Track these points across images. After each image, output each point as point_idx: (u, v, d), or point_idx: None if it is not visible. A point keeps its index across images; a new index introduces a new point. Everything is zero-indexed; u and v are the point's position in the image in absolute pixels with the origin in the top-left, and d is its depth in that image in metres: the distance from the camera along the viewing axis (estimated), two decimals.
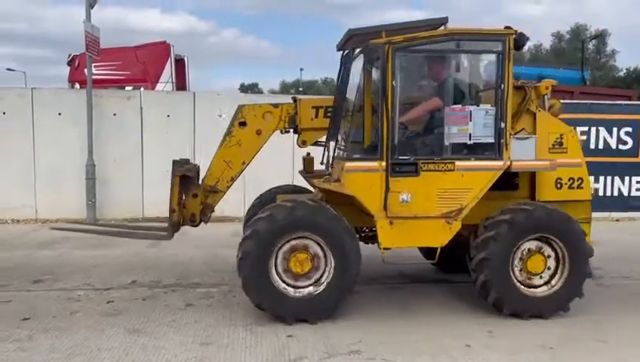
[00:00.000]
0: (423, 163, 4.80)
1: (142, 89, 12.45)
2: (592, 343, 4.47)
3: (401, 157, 4.81)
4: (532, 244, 4.92)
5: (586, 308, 5.27)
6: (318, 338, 4.45)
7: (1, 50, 78.67)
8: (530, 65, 19.04)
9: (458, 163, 4.83)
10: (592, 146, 11.36)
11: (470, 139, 4.79)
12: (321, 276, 4.80)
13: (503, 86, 4.80)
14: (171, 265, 6.85)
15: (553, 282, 4.97)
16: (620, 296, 5.87)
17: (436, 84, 5.32)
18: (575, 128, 10.48)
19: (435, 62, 5.30)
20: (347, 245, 4.74)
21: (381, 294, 5.71)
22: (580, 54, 38.22)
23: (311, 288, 4.78)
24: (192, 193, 5.39)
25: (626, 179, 11.35)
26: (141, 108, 10.60)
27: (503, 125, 4.80)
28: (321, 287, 4.77)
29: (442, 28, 5.09)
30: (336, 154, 5.46)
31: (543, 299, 4.93)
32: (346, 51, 5.43)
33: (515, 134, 5.00)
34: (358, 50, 5.35)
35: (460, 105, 4.88)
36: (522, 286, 4.92)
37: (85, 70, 10.82)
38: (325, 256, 4.78)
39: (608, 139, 11.31)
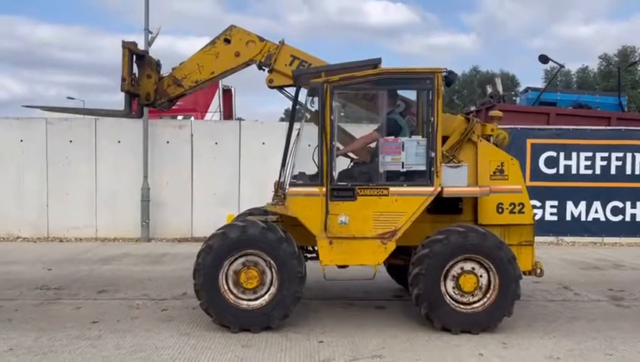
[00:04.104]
0: (359, 188, 5.28)
1: (192, 118, 13.46)
2: (598, 355, 4.83)
3: (339, 183, 5.33)
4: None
5: (601, 326, 5.63)
6: (345, 344, 5.01)
7: (62, 78, 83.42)
8: (567, 92, 18.99)
9: (392, 188, 5.27)
10: (629, 172, 11.50)
11: (403, 168, 5.28)
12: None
13: (432, 119, 5.26)
14: None
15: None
16: (637, 316, 6.12)
17: (373, 118, 5.83)
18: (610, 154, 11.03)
19: (371, 98, 5.83)
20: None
21: (405, 308, 6.17)
22: (629, 76, 37.66)
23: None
24: (146, 74, 5.88)
25: None
26: (192, 135, 11.53)
27: (433, 154, 5.24)
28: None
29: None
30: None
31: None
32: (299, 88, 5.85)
33: (448, 162, 5.44)
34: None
35: (392, 137, 5.39)
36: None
37: None
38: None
39: None
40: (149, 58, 5.96)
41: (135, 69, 5.91)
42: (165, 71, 6.27)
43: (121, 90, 5.82)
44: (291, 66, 5.87)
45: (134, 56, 5.83)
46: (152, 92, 5.92)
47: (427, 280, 5.18)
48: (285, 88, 6.07)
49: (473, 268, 5.26)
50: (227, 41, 5.88)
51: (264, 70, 6.02)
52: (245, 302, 5.27)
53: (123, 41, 5.80)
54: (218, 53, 5.88)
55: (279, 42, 5.94)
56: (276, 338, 5.13)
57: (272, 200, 6.04)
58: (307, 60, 5.89)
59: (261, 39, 5.93)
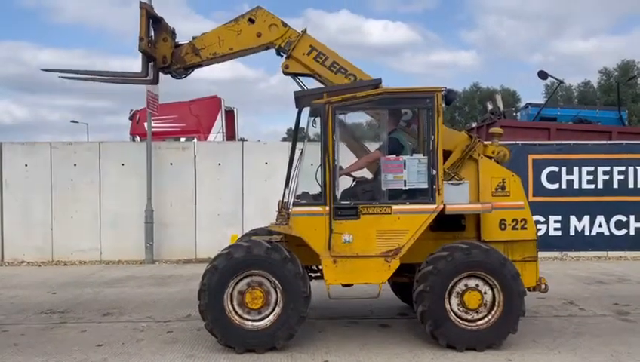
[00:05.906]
0: (362, 207, 5.32)
1: (195, 140, 13.57)
2: None
3: (342, 202, 5.36)
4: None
5: (607, 341, 5.60)
6: None
7: (65, 102, 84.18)
8: (568, 107, 19.11)
9: (395, 207, 5.31)
10: (631, 186, 11.50)
11: (405, 186, 5.33)
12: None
13: (433, 137, 5.32)
14: None
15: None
16: None
17: (375, 138, 5.90)
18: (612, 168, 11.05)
19: (373, 118, 5.90)
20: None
21: (410, 326, 6.16)
22: (629, 90, 37.76)
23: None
24: (162, 37, 6.00)
25: None
26: (195, 157, 11.61)
27: (434, 172, 5.30)
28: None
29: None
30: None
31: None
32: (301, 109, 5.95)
33: (450, 180, 5.47)
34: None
35: (394, 156, 5.45)
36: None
37: (145, 124, 11.98)
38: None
39: None
40: (165, 23, 6.09)
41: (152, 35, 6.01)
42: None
43: (139, 50, 5.91)
44: (309, 56, 5.99)
45: (151, 20, 5.96)
46: (168, 55, 6.06)
47: (432, 297, 5.19)
48: (298, 77, 6.14)
49: (477, 285, 5.26)
50: (251, 20, 6.01)
51: (282, 56, 6.13)
52: (250, 323, 5.27)
53: (140, 2, 5.90)
54: (240, 31, 6.01)
55: (301, 31, 6.06)
56: (281, 359, 5.12)
57: (276, 219, 6.08)
58: (325, 53, 6.00)
59: (284, 24, 6.06)
